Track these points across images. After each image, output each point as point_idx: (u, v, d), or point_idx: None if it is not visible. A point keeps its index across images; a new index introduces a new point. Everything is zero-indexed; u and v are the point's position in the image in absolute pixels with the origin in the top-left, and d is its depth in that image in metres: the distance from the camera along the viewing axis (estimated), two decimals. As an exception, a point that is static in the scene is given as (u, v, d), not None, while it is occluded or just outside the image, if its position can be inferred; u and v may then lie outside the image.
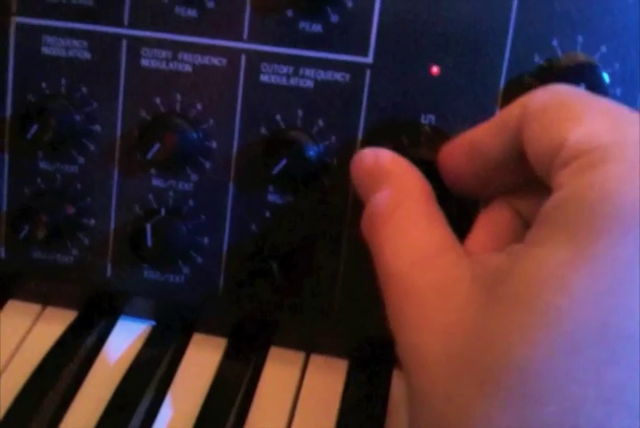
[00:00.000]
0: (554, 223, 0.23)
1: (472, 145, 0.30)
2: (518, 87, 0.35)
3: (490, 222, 0.31)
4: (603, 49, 0.34)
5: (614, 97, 0.35)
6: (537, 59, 0.35)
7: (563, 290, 0.21)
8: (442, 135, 0.36)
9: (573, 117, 0.25)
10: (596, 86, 0.33)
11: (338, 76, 0.36)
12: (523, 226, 0.30)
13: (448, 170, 0.31)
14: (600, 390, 0.20)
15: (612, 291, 0.21)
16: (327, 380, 0.40)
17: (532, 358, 0.21)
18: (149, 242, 0.37)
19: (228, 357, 0.41)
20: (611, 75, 0.34)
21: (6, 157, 0.40)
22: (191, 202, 0.39)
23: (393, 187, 0.30)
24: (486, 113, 0.35)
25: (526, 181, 0.29)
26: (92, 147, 0.40)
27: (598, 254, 0.21)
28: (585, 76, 0.33)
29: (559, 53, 0.35)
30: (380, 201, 0.29)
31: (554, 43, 0.35)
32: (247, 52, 0.37)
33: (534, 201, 0.30)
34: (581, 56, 0.34)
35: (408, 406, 0.26)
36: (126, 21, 0.38)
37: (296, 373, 0.40)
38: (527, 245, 0.24)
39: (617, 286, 0.21)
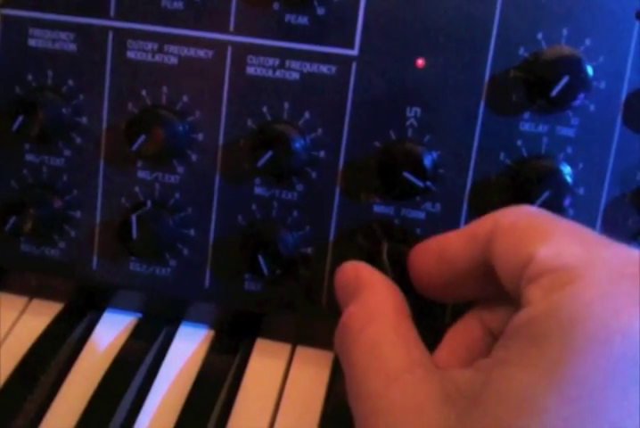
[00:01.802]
0: (524, 341, 0.23)
1: (442, 253, 0.30)
2: (503, 80, 0.35)
3: (460, 336, 0.31)
4: (588, 42, 0.35)
5: (598, 90, 0.35)
6: (522, 52, 0.35)
7: (534, 415, 0.21)
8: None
9: (541, 235, 0.26)
10: (580, 80, 0.33)
11: (324, 68, 0.36)
12: (493, 342, 0.30)
13: (417, 272, 0.32)
14: None
15: (580, 418, 0.21)
16: (313, 372, 0.40)
17: None
18: (134, 235, 0.37)
19: (214, 348, 0.41)
20: (595, 68, 0.34)
21: (-8, 149, 0.40)
22: (177, 195, 0.39)
23: (365, 302, 0.30)
24: (471, 106, 0.36)
25: (495, 294, 0.29)
26: (78, 140, 0.40)
27: (567, 376, 0.22)
28: (568, 69, 0.33)
29: (544, 46, 0.35)
30: (350, 317, 0.29)
31: (539, 36, 0.35)
32: (233, 44, 0.37)
33: (503, 316, 0.30)
34: (565, 49, 0.34)
35: None
36: (112, 13, 0.38)
37: (282, 364, 0.40)
38: (496, 363, 0.24)
39: (585, 413, 0.21)
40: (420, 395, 0.25)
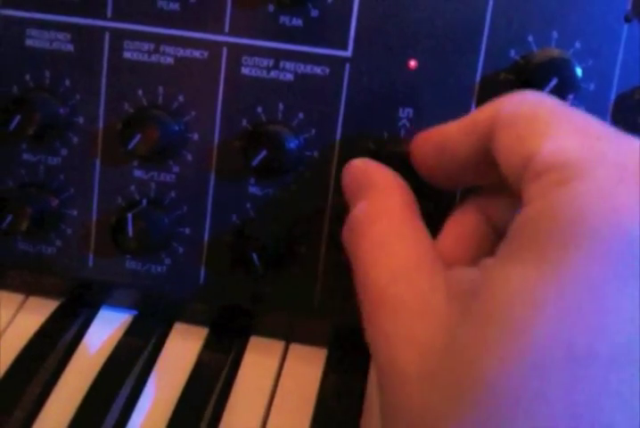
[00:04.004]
0: (524, 239, 0.23)
1: (442, 142, 0.30)
2: (494, 82, 0.36)
3: (459, 225, 0.31)
4: (578, 45, 0.35)
5: (587, 92, 0.35)
6: (513, 54, 0.35)
7: (532, 307, 0.21)
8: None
9: (543, 130, 0.25)
10: (569, 81, 0.34)
11: (317, 69, 0.37)
12: (492, 231, 0.30)
13: (418, 162, 0.32)
14: (569, 409, 0.20)
15: (579, 309, 0.21)
16: (306, 369, 0.40)
17: (501, 375, 0.21)
18: (130, 233, 0.38)
19: (208, 346, 0.41)
20: (584, 70, 0.35)
21: (-11, 148, 0.41)
22: (172, 193, 0.39)
23: (375, 198, 0.30)
24: (462, 107, 0.36)
25: (495, 184, 0.29)
26: (75, 139, 0.40)
27: (566, 272, 0.21)
28: (557, 71, 0.34)
29: (534, 48, 0.35)
30: (360, 212, 0.29)
31: (530, 38, 0.35)
32: (228, 45, 0.37)
33: (503, 206, 0.30)
34: (555, 52, 0.34)
35: (381, 416, 0.26)
36: (109, 14, 0.38)
37: (275, 362, 0.41)
38: (497, 261, 0.24)
39: (584, 305, 0.21)
40: (425, 292, 0.25)
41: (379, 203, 0.29)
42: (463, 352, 0.23)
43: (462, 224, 0.31)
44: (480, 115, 0.28)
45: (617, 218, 0.22)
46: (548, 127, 0.25)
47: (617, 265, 0.21)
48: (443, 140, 0.30)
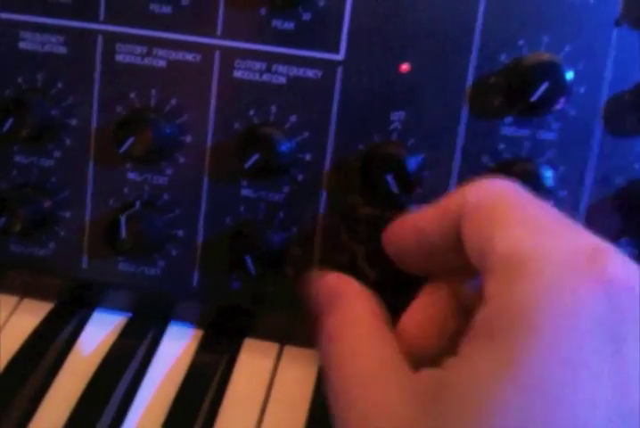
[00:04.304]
0: (482, 338, 0.25)
1: (417, 229, 0.32)
2: (485, 86, 0.36)
3: (428, 301, 0.33)
4: (568, 49, 0.35)
5: (578, 95, 0.36)
6: (504, 58, 0.36)
7: (490, 405, 0.23)
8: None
9: (500, 222, 0.27)
10: (560, 85, 0.34)
11: (310, 72, 0.37)
12: (458, 310, 0.32)
13: (395, 249, 0.34)
14: None
15: (538, 407, 0.22)
16: (300, 370, 0.40)
17: None
18: (123, 234, 0.38)
19: (203, 348, 0.41)
20: (575, 74, 0.35)
21: (-18, 151, 0.41)
22: (165, 196, 0.39)
23: (342, 312, 0.32)
24: (454, 110, 0.36)
25: (466, 265, 0.30)
26: (68, 141, 0.40)
27: (521, 368, 0.23)
28: (548, 74, 0.34)
29: (525, 52, 0.35)
30: (329, 326, 0.31)
31: (520, 42, 0.35)
32: (221, 48, 0.38)
33: (471, 286, 0.31)
34: (545, 56, 0.35)
35: None
36: (101, 17, 0.38)
37: (270, 363, 0.41)
38: (458, 359, 0.25)
39: (542, 402, 0.22)
40: (390, 394, 0.27)
41: (346, 317, 0.32)
42: None
43: (430, 299, 0.33)
44: (450, 202, 0.30)
45: (561, 314, 0.23)
46: (505, 221, 0.27)
47: (567, 358, 0.23)
48: (418, 227, 0.32)
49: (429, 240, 0.31)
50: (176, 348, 0.42)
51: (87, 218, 0.41)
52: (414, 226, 0.32)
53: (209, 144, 0.39)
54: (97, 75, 0.39)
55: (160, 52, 0.38)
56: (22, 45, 0.39)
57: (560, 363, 0.23)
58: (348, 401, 0.28)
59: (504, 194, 0.29)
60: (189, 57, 0.38)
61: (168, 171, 0.39)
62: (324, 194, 0.38)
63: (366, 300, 0.32)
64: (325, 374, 0.30)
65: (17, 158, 0.41)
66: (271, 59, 0.37)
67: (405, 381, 0.27)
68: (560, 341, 0.23)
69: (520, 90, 0.34)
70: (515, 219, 0.27)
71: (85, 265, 0.41)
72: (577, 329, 0.23)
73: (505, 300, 0.25)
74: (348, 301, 0.32)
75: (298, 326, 0.41)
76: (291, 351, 0.42)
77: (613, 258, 0.25)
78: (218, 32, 0.37)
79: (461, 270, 0.31)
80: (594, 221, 0.37)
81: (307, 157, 0.38)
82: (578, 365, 0.23)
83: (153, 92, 0.38)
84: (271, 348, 0.42)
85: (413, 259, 0.33)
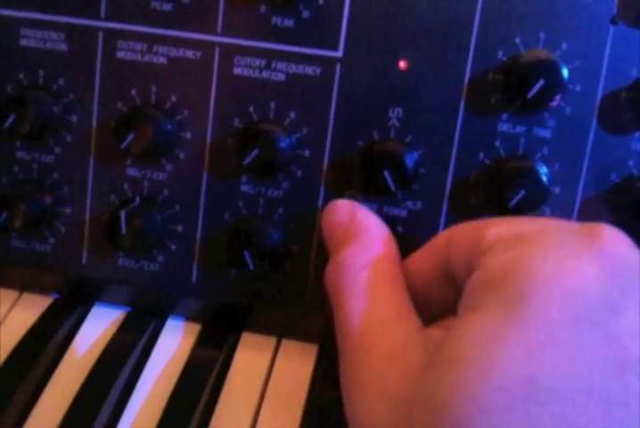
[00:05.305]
0: (484, 291, 0.25)
1: (407, 267, 0.32)
2: (482, 82, 0.36)
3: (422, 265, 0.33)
4: (564, 46, 0.36)
5: (574, 92, 0.36)
6: (501, 55, 0.36)
7: (497, 346, 0.23)
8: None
9: (485, 223, 0.29)
10: (556, 82, 0.34)
11: (309, 69, 0.37)
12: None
13: None
14: None
15: (540, 349, 0.23)
16: (297, 365, 0.41)
17: (470, 415, 0.22)
18: (123, 230, 0.38)
19: (201, 342, 0.42)
20: (571, 71, 0.35)
21: (-16, 146, 0.41)
22: (165, 192, 0.40)
23: (363, 247, 0.31)
24: (451, 107, 0.37)
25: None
26: (68, 137, 0.40)
27: (527, 315, 0.23)
28: (544, 72, 0.34)
29: (522, 49, 0.36)
30: (348, 258, 0.31)
31: (517, 40, 0.36)
32: (221, 45, 0.38)
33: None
34: (542, 53, 0.35)
35: None
36: (102, 14, 0.39)
37: (267, 358, 0.41)
38: (460, 314, 0.26)
39: (545, 344, 0.23)
40: (401, 343, 0.27)
41: (367, 252, 0.31)
42: (432, 398, 0.24)
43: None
44: (437, 238, 0.32)
45: (568, 265, 0.24)
46: (489, 222, 0.29)
47: (573, 309, 0.23)
48: (410, 266, 0.32)
49: (420, 281, 0.32)
50: (175, 342, 0.42)
51: (87, 213, 0.41)
52: (405, 268, 0.32)
53: (208, 140, 0.39)
54: (98, 72, 0.39)
55: (161, 49, 0.38)
56: (23, 41, 0.40)
57: (565, 320, 0.23)
58: (358, 340, 0.28)
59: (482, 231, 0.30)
60: (189, 54, 0.38)
61: (168, 167, 0.40)
62: (323, 190, 0.38)
63: (387, 240, 0.32)
64: (335, 309, 0.30)
65: (18, 154, 0.41)
66: (270, 56, 0.37)
67: (417, 333, 0.27)
68: (565, 290, 0.24)
69: (516, 87, 0.35)
70: (499, 220, 0.29)
71: (84, 260, 0.41)
72: (581, 278, 0.24)
73: (508, 257, 0.25)
74: (367, 238, 0.32)
75: (295, 321, 0.42)
76: (288, 345, 0.42)
77: (608, 227, 0.26)
78: (218, 29, 0.38)
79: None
80: (589, 218, 0.37)
81: (306, 153, 0.38)
82: (582, 311, 0.23)
83: (154, 88, 0.39)
84: (268, 342, 0.42)
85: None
